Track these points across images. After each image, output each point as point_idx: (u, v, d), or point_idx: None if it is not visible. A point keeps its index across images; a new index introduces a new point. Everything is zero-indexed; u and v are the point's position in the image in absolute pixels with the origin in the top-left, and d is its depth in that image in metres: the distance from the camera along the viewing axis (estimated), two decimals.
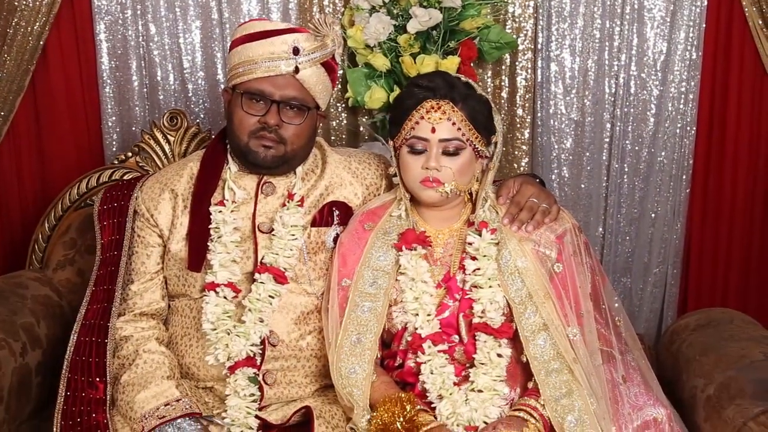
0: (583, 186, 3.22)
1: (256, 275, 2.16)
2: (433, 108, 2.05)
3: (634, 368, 2.15)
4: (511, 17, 3.09)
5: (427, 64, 2.82)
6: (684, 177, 3.19)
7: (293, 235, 2.18)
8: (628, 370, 2.13)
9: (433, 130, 2.04)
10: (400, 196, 2.18)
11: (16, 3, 2.85)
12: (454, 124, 2.05)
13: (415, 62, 2.85)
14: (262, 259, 2.18)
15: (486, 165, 2.14)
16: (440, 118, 2.04)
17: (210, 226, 2.18)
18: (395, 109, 2.14)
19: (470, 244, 2.10)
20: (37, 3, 2.87)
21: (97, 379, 2.15)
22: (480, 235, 2.10)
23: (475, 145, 2.07)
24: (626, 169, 3.22)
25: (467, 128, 2.06)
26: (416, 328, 2.09)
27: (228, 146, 2.26)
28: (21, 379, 2.36)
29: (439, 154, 2.05)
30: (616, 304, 2.21)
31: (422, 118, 2.05)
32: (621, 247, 3.27)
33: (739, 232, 3.19)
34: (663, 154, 3.19)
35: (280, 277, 2.16)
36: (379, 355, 2.16)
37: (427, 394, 2.06)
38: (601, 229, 3.24)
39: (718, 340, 2.41)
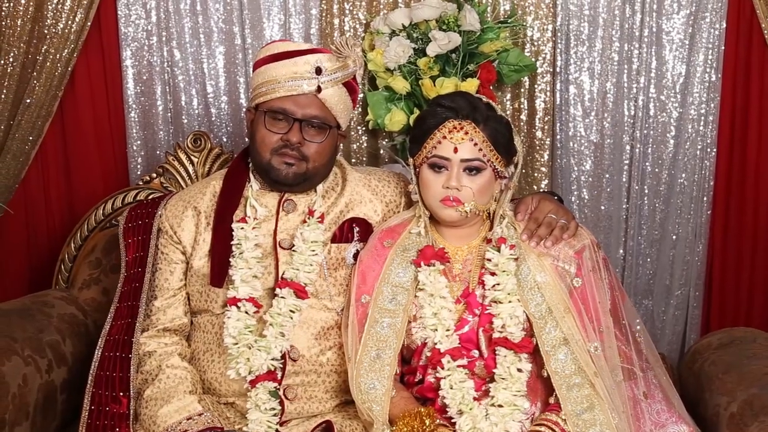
0: (603, 208, 3.22)
1: (277, 290, 2.19)
2: (455, 128, 2.07)
3: (655, 385, 2.15)
4: (530, 40, 3.12)
5: (447, 86, 2.85)
6: (705, 198, 3.19)
7: (313, 250, 2.20)
8: (650, 387, 2.13)
9: (456, 150, 2.06)
10: (419, 214, 2.20)
11: (45, 31, 2.92)
12: (475, 144, 2.07)
13: (434, 85, 2.88)
14: (283, 274, 2.21)
15: (504, 185, 2.16)
16: (462, 139, 2.07)
17: (232, 243, 2.21)
18: (417, 127, 2.16)
19: (489, 260, 2.11)
20: (66, 30, 2.93)
21: (121, 394, 2.18)
22: (499, 251, 2.11)
23: (495, 165, 2.10)
24: (646, 191, 3.22)
25: (488, 149, 2.08)
26: (435, 344, 2.10)
27: (250, 165, 2.30)
28: (47, 396, 2.39)
29: (460, 173, 2.07)
30: (638, 324, 2.21)
31: (444, 137, 2.08)
32: (642, 269, 3.26)
33: (762, 253, 3.17)
34: (683, 175, 3.19)
35: (300, 292, 2.18)
36: (398, 371, 2.17)
37: (447, 410, 2.07)
38: (621, 251, 3.24)
39: (741, 358, 2.40)
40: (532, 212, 2.17)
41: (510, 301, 2.07)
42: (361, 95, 3.00)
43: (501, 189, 2.16)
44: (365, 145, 3.18)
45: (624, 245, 3.24)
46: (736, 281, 3.21)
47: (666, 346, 3.24)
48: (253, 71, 2.26)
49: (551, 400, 2.06)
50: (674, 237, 3.22)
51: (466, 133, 2.07)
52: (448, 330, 2.10)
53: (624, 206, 3.22)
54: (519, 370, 2.05)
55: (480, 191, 2.09)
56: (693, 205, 3.19)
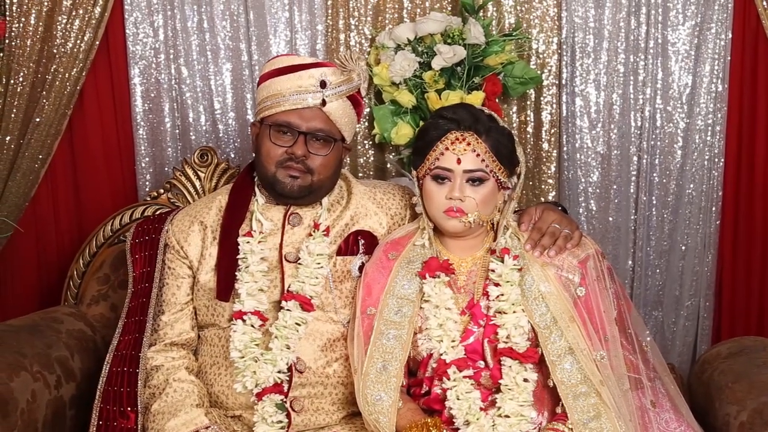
0: (611, 219, 3.21)
1: (283, 303, 2.20)
2: (458, 139, 2.09)
3: (663, 395, 2.15)
4: (535, 53, 3.13)
5: (452, 99, 2.86)
6: (713, 209, 3.17)
7: (319, 263, 2.21)
8: (658, 396, 2.12)
9: (459, 161, 2.08)
10: (423, 226, 2.21)
11: (54, 50, 2.94)
12: (478, 155, 2.08)
13: (440, 98, 2.89)
14: (289, 287, 2.22)
15: (508, 196, 2.16)
16: (465, 150, 2.08)
17: (238, 257, 2.22)
18: (420, 139, 2.18)
19: (493, 270, 2.12)
20: (75, 50, 2.95)
21: (129, 409, 2.19)
22: (502, 261, 2.11)
23: (497, 176, 2.10)
24: (654, 202, 3.21)
25: (491, 160, 2.09)
26: (441, 355, 2.10)
27: (255, 179, 2.31)
28: (55, 411, 2.40)
29: (463, 184, 2.08)
30: (648, 336, 2.20)
31: (447, 149, 2.09)
32: (651, 280, 3.25)
33: None
34: (691, 186, 3.18)
35: (306, 305, 2.19)
36: (404, 383, 2.17)
37: (454, 420, 2.07)
38: (630, 263, 3.22)
39: (751, 367, 2.38)
40: (536, 222, 2.17)
41: (514, 312, 2.08)
42: (367, 109, 3.02)
43: (504, 199, 2.17)
44: (372, 158, 3.19)
45: (633, 256, 3.23)
46: (746, 291, 3.19)
47: (677, 357, 3.22)
48: (258, 85, 2.28)
49: (558, 410, 2.05)
50: (683, 247, 3.21)
51: (468, 144, 2.08)
52: (453, 341, 2.10)
53: (632, 217, 3.21)
54: (525, 380, 2.05)
55: (483, 202, 2.09)
56: (701, 215, 3.18)
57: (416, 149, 2.18)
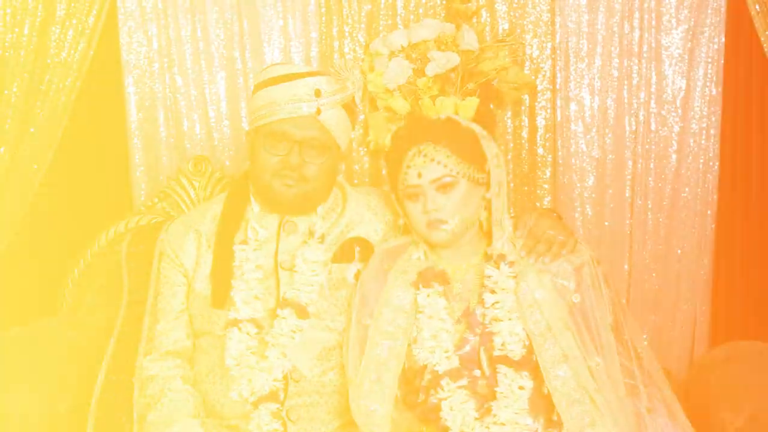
0: (606, 223, 3.21)
1: (278, 310, 2.20)
2: (415, 154, 2.09)
3: (659, 400, 2.14)
4: (529, 58, 3.14)
5: (446, 106, 2.87)
6: (709, 212, 3.17)
7: (314, 271, 2.22)
8: (653, 402, 2.11)
9: (420, 175, 2.08)
10: (418, 240, 2.21)
11: (48, 60, 2.94)
12: (439, 162, 2.08)
13: (434, 104, 2.90)
14: (284, 294, 2.22)
15: (494, 193, 2.14)
16: (423, 162, 2.08)
17: (233, 264, 2.22)
18: (386, 166, 2.20)
19: (489, 277, 2.11)
20: (69, 60, 2.95)
21: (124, 419, 2.19)
22: (498, 268, 2.11)
23: (470, 174, 2.09)
24: (650, 206, 3.21)
25: (454, 162, 2.08)
26: (434, 365, 2.09)
27: (251, 187, 2.31)
28: (51, 422, 2.39)
29: (433, 195, 2.08)
30: (645, 340, 2.20)
31: (408, 167, 2.10)
32: (647, 284, 3.24)
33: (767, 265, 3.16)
34: (687, 190, 3.18)
35: (301, 312, 2.19)
36: (399, 394, 2.16)
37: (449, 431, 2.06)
38: (626, 267, 3.22)
39: (746, 371, 2.39)
40: (531, 228, 2.17)
41: (510, 319, 2.07)
42: (361, 116, 3.03)
43: (487, 196, 2.14)
44: (367, 165, 3.20)
45: (629, 261, 3.22)
46: (742, 295, 3.18)
47: (674, 362, 3.21)
48: (253, 94, 2.29)
49: (554, 417, 2.05)
50: (679, 251, 3.21)
51: (425, 155, 2.08)
52: (446, 351, 2.09)
53: (627, 221, 3.21)
54: (520, 388, 2.04)
55: (460, 205, 2.09)
56: (697, 219, 3.18)
57: (388, 175, 2.20)
